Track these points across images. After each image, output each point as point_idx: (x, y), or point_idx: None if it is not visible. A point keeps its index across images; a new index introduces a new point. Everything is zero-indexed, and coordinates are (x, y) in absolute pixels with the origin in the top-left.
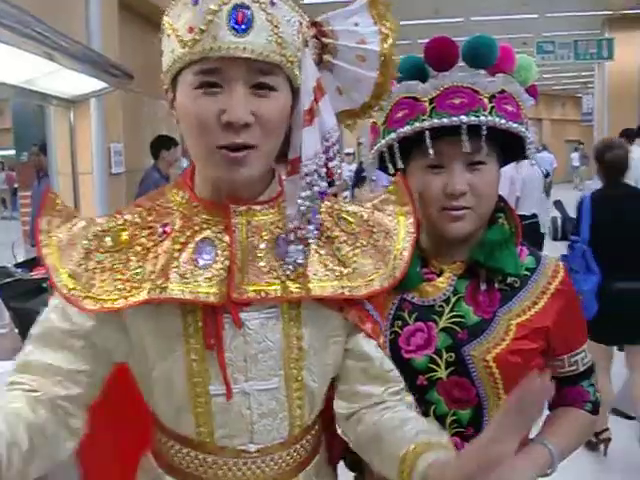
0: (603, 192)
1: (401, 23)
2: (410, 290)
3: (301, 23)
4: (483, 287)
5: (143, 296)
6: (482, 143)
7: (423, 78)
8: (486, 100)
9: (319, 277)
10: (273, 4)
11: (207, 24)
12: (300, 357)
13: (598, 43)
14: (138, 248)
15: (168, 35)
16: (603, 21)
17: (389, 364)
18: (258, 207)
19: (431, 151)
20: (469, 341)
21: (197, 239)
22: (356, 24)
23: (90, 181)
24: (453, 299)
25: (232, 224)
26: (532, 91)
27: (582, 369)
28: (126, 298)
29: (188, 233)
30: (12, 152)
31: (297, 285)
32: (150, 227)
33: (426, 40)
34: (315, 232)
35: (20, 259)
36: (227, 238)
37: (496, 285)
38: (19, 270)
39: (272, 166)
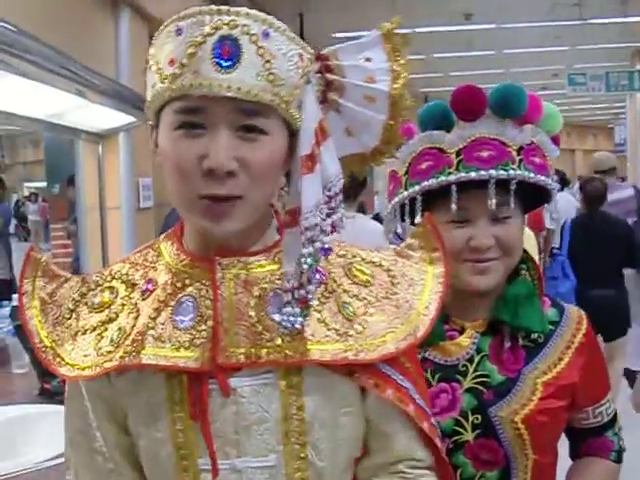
0: (582, 217)
1: (434, 56)
2: (432, 349)
3: (302, 56)
4: (507, 345)
5: (115, 363)
6: (510, 198)
7: (448, 126)
8: (514, 153)
9: (318, 339)
10: (266, 35)
11: (189, 57)
12: (303, 431)
13: (630, 75)
14: (118, 307)
15: (150, 67)
16: (633, 53)
17: (413, 442)
18: (250, 259)
19: (454, 206)
20: (495, 402)
21: (179, 297)
22: (368, 59)
23: (118, 216)
24: (477, 358)
25: (216, 279)
26: (555, 140)
27: (606, 419)
28: (102, 364)
29: (169, 290)
30: (44, 184)
31: (294, 348)
32: (134, 284)
33: (459, 72)
34: (314, 292)
35: None
36: (212, 295)
37: (520, 342)
38: None
39: (271, 212)
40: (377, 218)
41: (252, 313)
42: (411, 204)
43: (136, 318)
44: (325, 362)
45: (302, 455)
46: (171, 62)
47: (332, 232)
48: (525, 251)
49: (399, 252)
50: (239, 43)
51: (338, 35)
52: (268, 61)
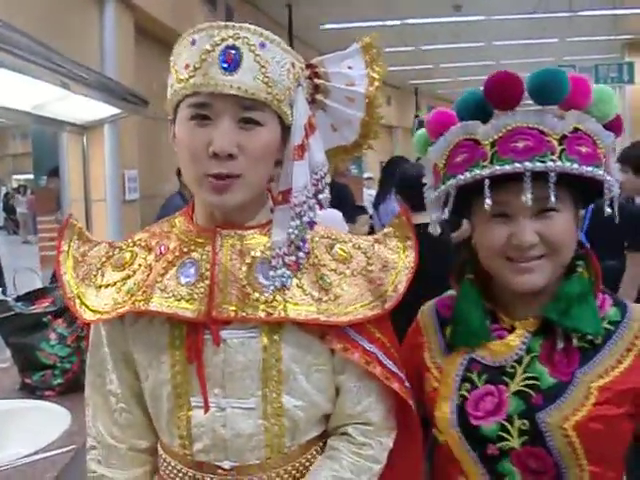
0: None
1: (422, 48)
2: (480, 349)
3: (293, 64)
4: (560, 345)
5: (128, 307)
6: (550, 191)
7: (485, 116)
8: (555, 142)
9: (295, 301)
10: (263, 46)
11: (201, 62)
12: (280, 380)
13: (619, 67)
14: (136, 266)
15: (170, 72)
16: (623, 45)
17: (365, 404)
18: (245, 232)
19: (488, 201)
20: (544, 406)
21: (184, 259)
22: (349, 67)
23: (103, 208)
24: (526, 359)
25: (216, 246)
26: (615, 125)
27: None
28: (117, 309)
29: (177, 254)
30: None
31: (274, 307)
32: (150, 248)
33: (448, 64)
34: (304, 259)
35: (37, 285)
36: (211, 259)
37: (575, 342)
38: (19, 304)
39: (265, 194)
40: (362, 209)
41: (242, 277)
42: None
43: (148, 275)
44: (299, 320)
45: (278, 402)
46: (186, 67)
47: (320, 209)
48: (583, 246)
49: (377, 239)
50: (240, 52)
51: (326, 26)
52: (263, 67)
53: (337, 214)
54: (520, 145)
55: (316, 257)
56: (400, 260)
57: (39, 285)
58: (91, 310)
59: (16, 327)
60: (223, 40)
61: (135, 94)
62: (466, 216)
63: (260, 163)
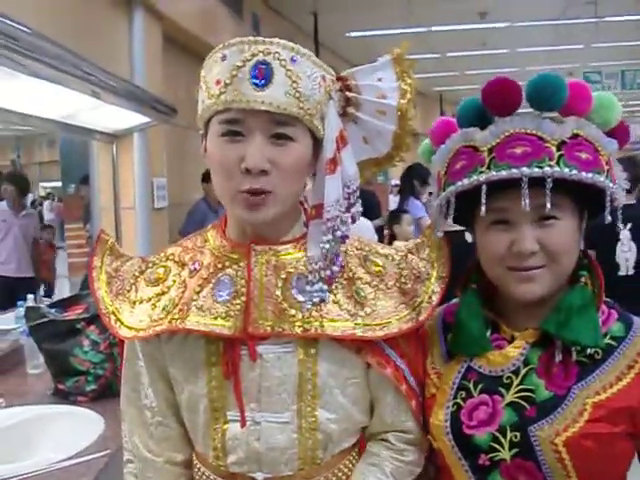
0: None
1: (448, 55)
2: (478, 358)
3: (324, 77)
4: (558, 358)
5: (164, 326)
6: (547, 197)
7: (485, 123)
8: (554, 148)
9: (332, 317)
10: (294, 61)
11: (231, 78)
12: (315, 394)
13: None
14: (170, 282)
15: (201, 87)
16: None
17: (404, 415)
18: (280, 247)
19: (484, 208)
20: (537, 420)
21: (219, 276)
22: (380, 79)
23: (132, 216)
24: (523, 370)
25: (251, 263)
26: (619, 132)
27: None
28: (154, 327)
29: (211, 270)
30: (59, 184)
31: (311, 323)
32: (184, 264)
33: (473, 71)
34: (338, 273)
35: (67, 292)
36: (246, 276)
37: (574, 356)
38: (52, 310)
39: (299, 209)
40: (404, 211)
41: (278, 292)
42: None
43: (183, 292)
44: (336, 336)
45: (313, 416)
46: (217, 82)
47: (353, 222)
48: (587, 256)
49: (410, 249)
50: (271, 67)
51: (352, 34)
52: (295, 81)
53: (367, 223)
54: (518, 151)
55: (350, 271)
56: (433, 270)
57: (68, 291)
58: (127, 327)
59: (50, 333)
60: (254, 55)
61: (164, 103)
62: (469, 224)
63: (292, 178)
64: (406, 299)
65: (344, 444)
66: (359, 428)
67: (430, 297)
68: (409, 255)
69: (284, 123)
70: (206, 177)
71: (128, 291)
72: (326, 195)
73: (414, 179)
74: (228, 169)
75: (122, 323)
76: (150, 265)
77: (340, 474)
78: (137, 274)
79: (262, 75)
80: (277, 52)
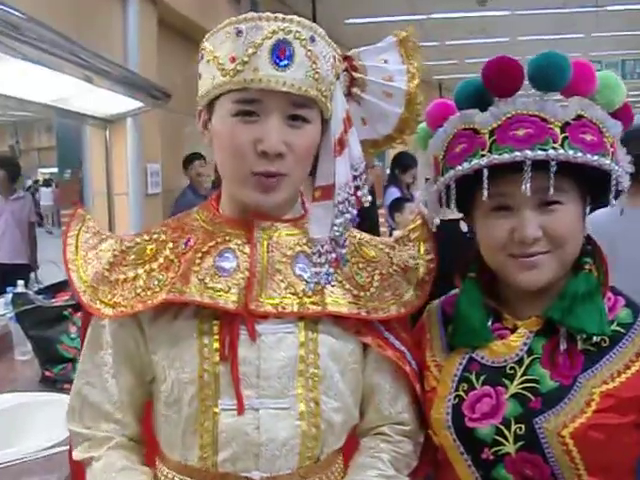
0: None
1: (447, 43)
2: (479, 348)
3: (335, 57)
4: (563, 347)
5: (161, 297)
6: (551, 181)
7: (485, 105)
8: (557, 129)
9: (336, 296)
10: (313, 40)
11: (249, 56)
12: (316, 378)
13: None
14: (161, 260)
15: (208, 61)
16: None
17: (401, 405)
18: (281, 225)
19: (485, 193)
20: (543, 411)
21: (220, 248)
22: (385, 61)
23: (126, 201)
24: (527, 360)
25: (254, 237)
26: (623, 114)
27: None
28: (145, 302)
29: (211, 244)
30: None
31: (314, 302)
32: (174, 242)
33: (473, 59)
34: (344, 254)
35: (60, 278)
36: (248, 250)
37: (579, 345)
38: (40, 297)
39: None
40: (407, 200)
41: (280, 269)
42: (449, 193)
43: (178, 267)
44: (342, 314)
45: (315, 402)
46: (232, 59)
47: (358, 205)
48: (592, 242)
49: (397, 240)
50: (293, 46)
51: (351, 21)
52: (314, 62)
53: None
54: (520, 133)
55: (350, 254)
56: (421, 261)
57: (61, 278)
58: (108, 304)
59: (37, 320)
60: (274, 33)
61: (158, 88)
62: (468, 212)
63: (306, 161)
64: (399, 285)
65: (339, 442)
66: (350, 427)
67: (422, 286)
68: (397, 245)
69: (301, 105)
70: (186, 163)
71: (107, 269)
72: (337, 177)
73: (395, 168)
74: (240, 150)
75: (102, 302)
76: (132, 244)
77: (333, 477)
78: (117, 253)
79: (284, 55)
80: (298, 31)
